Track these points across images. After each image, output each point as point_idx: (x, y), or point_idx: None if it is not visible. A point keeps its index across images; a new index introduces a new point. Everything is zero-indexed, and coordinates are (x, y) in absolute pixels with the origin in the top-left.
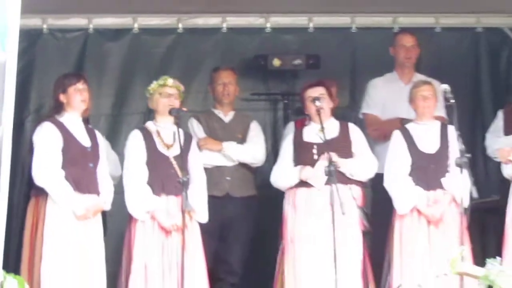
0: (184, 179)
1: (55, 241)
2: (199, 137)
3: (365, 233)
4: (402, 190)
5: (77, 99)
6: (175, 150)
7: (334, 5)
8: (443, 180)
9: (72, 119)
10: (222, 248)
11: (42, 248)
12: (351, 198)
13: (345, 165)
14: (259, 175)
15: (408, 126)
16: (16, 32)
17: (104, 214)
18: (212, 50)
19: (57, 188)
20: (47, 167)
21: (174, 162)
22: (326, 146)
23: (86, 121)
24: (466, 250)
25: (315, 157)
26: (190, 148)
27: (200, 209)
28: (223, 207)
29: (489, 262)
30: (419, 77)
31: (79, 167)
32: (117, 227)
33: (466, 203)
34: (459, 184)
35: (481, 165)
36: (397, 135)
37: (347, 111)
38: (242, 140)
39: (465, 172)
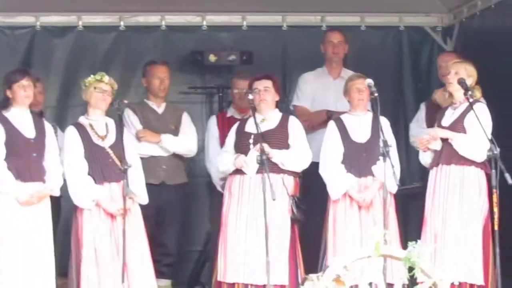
0: (125, 167)
1: (5, 228)
2: (136, 128)
3: (294, 220)
4: (335, 177)
5: (21, 94)
6: (110, 140)
7: (266, 5)
8: (373, 168)
9: (18, 113)
10: (157, 231)
11: None
12: (282, 186)
13: (277, 156)
14: (191, 163)
15: (343, 117)
16: None
17: (58, 199)
18: (152, 47)
19: None
20: None
21: (110, 152)
22: (262, 136)
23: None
24: (394, 233)
25: (251, 146)
26: (124, 136)
27: (140, 192)
28: (158, 194)
29: (411, 245)
30: (347, 72)
31: (22, 158)
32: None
33: (393, 189)
34: (388, 172)
35: (403, 154)
36: (331, 125)
37: (277, 103)
38: (175, 130)
39: (388, 161)
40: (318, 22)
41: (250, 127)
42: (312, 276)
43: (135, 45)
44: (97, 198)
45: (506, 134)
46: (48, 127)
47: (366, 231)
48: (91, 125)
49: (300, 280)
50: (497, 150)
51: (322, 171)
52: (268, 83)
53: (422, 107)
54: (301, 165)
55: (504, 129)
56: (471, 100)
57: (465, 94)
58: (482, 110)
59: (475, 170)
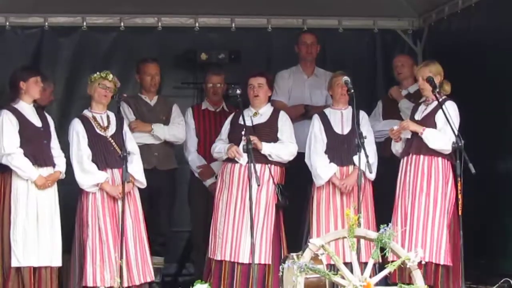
0: (124, 154)
1: (20, 209)
2: (129, 119)
3: (278, 206)
4: (319, 166)
5: (35, 89)
6: (111, 131)
7: (253, 9)
8: (354, 157)
9: (25, 106)
10: (150, 213)
11: (10, 216)
12: (269, 175)
13: (265, 148)
14: (180, 151)
15: (326, 110)
16: None
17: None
18: (149, 46)
19: (19, 164)
20: (8, 149)
21: (112, 141)
22: (252, 129)
23: (42, 108)
24: (371, 216)
25: (243, 138)
26: (123, 127)
27: (139, 177)
28: (151, 178)
29: (382, 227)
30: (320, 71)
31: (35, 144)
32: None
33: (371, 176)
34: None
35: None
36: (316, 118)
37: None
38: (166, 121)
39: (363, 152)
40: (300, 24)
41: (246, 121)
42: (293, 254)
43: (133, 44)
44: (100, 183)
45: (470, 127)
46: (49, 117)
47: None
48: (94, 117)
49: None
50: (461, 142)
51: (307, 160)
52: (262, 80)
53: (379, 103)
54: (287, 157)
55: (468, 124)
56: (440, 98)
57: (433, 91)
58: (451, 107)
59: (442, 161)
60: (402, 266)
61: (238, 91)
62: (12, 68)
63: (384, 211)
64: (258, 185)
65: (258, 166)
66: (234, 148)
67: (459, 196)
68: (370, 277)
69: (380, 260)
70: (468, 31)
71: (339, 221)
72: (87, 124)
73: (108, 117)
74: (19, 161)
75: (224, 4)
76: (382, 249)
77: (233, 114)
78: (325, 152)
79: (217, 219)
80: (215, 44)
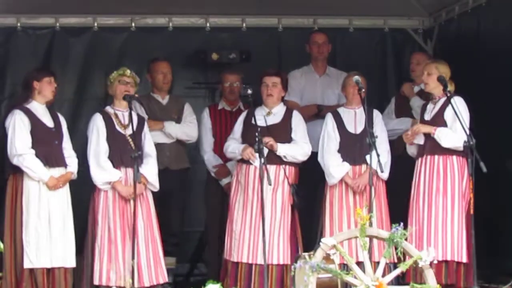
0: (136, 155)
1: (33, 210)
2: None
3: (293, 206)
4: (332, 165)
5: (49, 89)
6: (131, 129)
7: (263, 8)
8: (367, 157)
9: (38, 106)
10: (163, 213)
11: (22, 217)
12: (284, 176)
13: (281, 149)
14: (193, 151)
15: (339, 110)
16: None
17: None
18: (160, 46)
19: (31, 165)
20: (19, 149)
21: (130, 140)
22: (267, 130)
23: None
24: (384, 215)
25: (257, 138)
26: (144, 128)
27: (153, 180)
28: (163, 178)
29: (394, 226)
30: (332, 70)
31: (47, 145)
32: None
33: (384, 176)
34: (380, 161)
35: None
36: (329, 117)
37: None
38: (178, 119)
39: (374, 151)
40: (310, 24)
41: (260, 120)
42: (305, 254)
43: (144, 44)
44: (112, 181)
45: (480, 128)
46: (61, 118)
47: None
48: (115, 114)
49: None
50: (473, 141)
51: (320, 159)
52: (276, 79)
53: (392, 100)
54: (302, 158)
55: (478, 123)
56: (449, 95)
57: (443, 90)
58: (460, 103)
59: (457, 158)
60: (414, 265)
61: (249, 91)
62: (24, 69)
63: (396, 210)
64: (270, 185)
65: (273, 167)
66: (249, 151)
67: (471, 195)
68: (383, 276)
69: (395, 260)
70: (479, 30)
71: (352, 221)
72: (108, 120)
73: (130, 115)
74: (30, 162)
75: (234, 4)
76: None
77: (245, 113)
78: (338, 151)
79: (233, 220)
80: (226, 44)
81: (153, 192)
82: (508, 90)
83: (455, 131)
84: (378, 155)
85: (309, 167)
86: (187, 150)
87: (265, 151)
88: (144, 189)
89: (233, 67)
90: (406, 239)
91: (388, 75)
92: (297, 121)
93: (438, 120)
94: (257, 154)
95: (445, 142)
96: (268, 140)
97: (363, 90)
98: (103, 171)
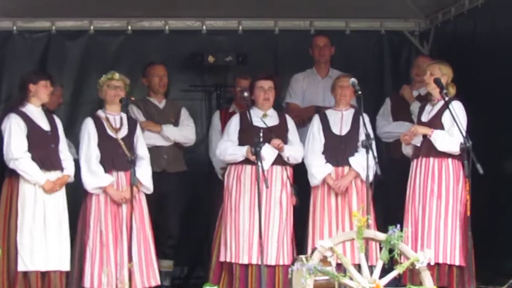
0: (132, 158)
1: (28, 213)
2: (140, 120)
3: (295, 206)
4: (314, 165)
5: (45, 92)
6: (122, 133)
7: (260, 11)
8: (351, 159)
9: (34, 109)
10: (160, 216)
11: (17, 220)
12: (286, 177)
13: (286, 150)
14: (191, 153)
15: (327, 111)
16: None
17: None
18: (156, 49)
19: (27, 169)
20: (15, 153)
21: (122, 143)
22: (269, 131)
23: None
24: (371, 218)
25: (261, 140)
26: (136, 131)
27: (146, 183)
28: (160, 181)
29: (391, 228)
30: (335, 72)
31: (43, 149)
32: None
33: (371, 178)
34: (363, 163)
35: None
36: (315, 118)
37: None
38: (175, 123)
39: (370, 153)
40: (307, 26)
41: (257, 122)
42: (301, 257)
43: (140, 48)
44: (104, 185)
45: (477, 129)
46: (58, 120)
47: (341, 217)
48: (107, 118)
49: None
50: (469, 143)
51: (305, 159)
52: (271, 83)
53: (388, 101)
54: (300, 158)
55: (475, 125)
56: (446, 98)
57: (440, 92)
58: (458, 107)
59: (452, 161)
60: (410, 267)
61: (246, 94)
62: (20, 73)
63: (394, 213)
64: (267, 187)
65: (278, 168)
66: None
67: (467, 197)
68: (379, 278)
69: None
70: (475, 32)
71: (334, 222)
72: (99, 124)
73: (121, 119)
74: (26, 166)
75: (231, 7)
76: (391, 251)
77: (238, 115)
78: (323, 153)
79: (239, 222)
80: (222, 47)
81: (150, 195)
82: (505, 92)
83: (451, 135)
84: (375, 158)
85: (301, 168)
86: (185, 153)
87: (273, 153)
88: (137, 192)
89: (231, 70)
90: (402, 241)
91: (384, 77)
92: (291, 122)
93: (435, 123)
94: (268, 158)
95: (440, 146)
96: (279, 142)
97: (360, 92)
98: (94, 176)
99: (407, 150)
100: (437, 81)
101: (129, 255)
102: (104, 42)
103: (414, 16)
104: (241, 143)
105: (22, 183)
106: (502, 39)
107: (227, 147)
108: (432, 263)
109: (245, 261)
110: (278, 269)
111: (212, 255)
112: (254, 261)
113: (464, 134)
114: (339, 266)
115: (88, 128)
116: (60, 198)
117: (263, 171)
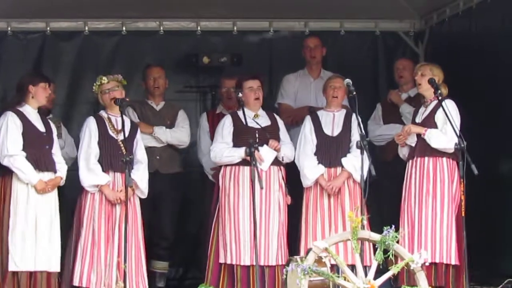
0: (127, 159)
1: (20, 213)
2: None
3: (289, 206)
4: (306, 167)
5: (44, 94)
6: (123, 135)
7: (254, 12)
8: (343, 159)
9: (30, 110)
10: (154, 217)
11: (10, 219)
12: (281, 177)
13: (282, 150)
14: (185, 154)
15: (319, 112)
16: None
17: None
18: (151, 50)
19: (21, 166)
20: (11, 150)
21: (121, 145)
22: (264, 131)
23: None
24: (364, 218)
25: (257, 140)
26: (136, 134)
27: (142, 186)
28: (153, 182)
29: (386, 229)
30: (326, 73)
31: (37, 149)
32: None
33: (358, 178)
34: (356, 164)
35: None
36: (307, 119)
37: (265, 101)
38: (170, 125)
39: (365, 154)
40: (302, 27)
41: (250, 123)
42: (296, 257)
43: (135, 48)
44: (100, 184)
45: (471, 129)
46: (52, 125)
47: (334, 217)
48: (109, 119)
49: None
50: (464, 144)
51: (296, 160)
52: (259, 83)
53: (378, 106)
54: (292, 158)
55: (469, 125)
56: (440, 98)
57: (434, 92)
58: (451, 106)
59: (447, 160)
60: (406, 268)
61: (240, 94)
62: (14, 73)
63: (386, 214)
64: (262, 188)
65: (275, 168)
66: (257, 155)
67: (462, 197)
68: (374, 279)
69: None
70: (470, 33)
71: (326, 223)
72: (101, 124)
73: (123, 121)
74: (20, 163)
75: (225, 8)
76: (385, 252)
77: (229, 117)
78: (315, 154)
79: (239, 223)
80: (217, 48)
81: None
82: (499, 92)
83: (445, 133)
84: (369, 158)
85: (294, 168)
86: (181, 154)
87: (271, 154)
88: (132, 195)
89: (226, 71)
90: (397, 242)
91: (379, 77)
92: (281, 122)
93: (429, 122)
94: (267, 159)
95: (434, 143)
96: (275, 143)
97: (354, 93)
98: (91, 174)
99: (403, 153)
100: (432, 81)
101: (119, 255)
102: (99, 43)
103: (409, 16)
104: (236, 144)
105: (15, 183)
106: (496, 39)
107: (223, 149)
108: (428, 264)
109: (247, 263)
110: (278, 269)
111: (209, 257)
112: (255, 262)
113: (458, 131)
114: (333, 267)
115: (90, 127)
116: (52, 199)
117: (257, 171)
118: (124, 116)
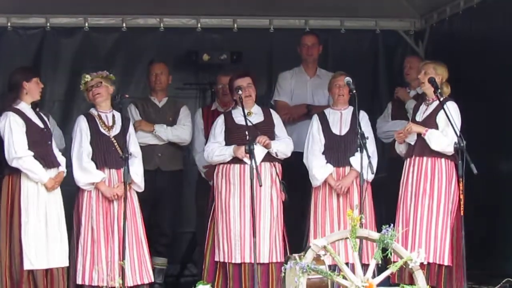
0: (125, 156)
1: (32, 211)
2: (135, 120)
3: (284, 202)
4: (315, 166)
5: (37, 89)
6: (115, 131)
7: (255, 9)
8: (351, 158)
9: (26, 106)
10: (154, 214)
11: (21, 218)
12: (275, 174)
13: (273, 146)
14: (186, 152)
15: (326, 111)
16: None
17: None
18: (151, 46)
19: (31, 167)
20: (19, 152)
21: (114, 141)
22: (255, 129)
23: (35, 106)
24: (370, 217)
25: (247, 138)
26: (129, 129)
27: (138, 180)
28: (154, 179)
29: (384, 228)
30: (322, 71)
31: (41, 146)
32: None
33: (369, 177)
34: (364, 163)
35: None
36: (315, 118)
37: (265, 99)
38: (172, 122)
39: (365, 152)
40: (302, 25)
41: (241, 120)
42: (295, 255)
43: (135, 45)
44: (96, 182)
45: (471, 129)
46: (44, 117)
47: (343, 216)
48: (99, 116)
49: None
50: (463, 143)
51: (305, 160)
52: (249, 80)
53: (389, 105)
54: (289, 153)
55: (469, 124)
56: (441, 98)
57: (434, 92)
58: (452, 108)
59: (445, 161)
60: (404, 266)
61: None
62: (14, 68)
63: (392, 212)
64: (260, 185)
65: (267, 164)
66: (242, 151)
67: (461, 197)
68: (372, 277)
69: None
70: (470, 32)
71: (335, 222)
72: (92, 122)
73: (113, 116)
74: (31, 164)
75: (226, 5)
76: (384, 250)
77: (222, 116)
78: (323, 153)
79: (230, 222)
80: (217, 45)
81: (144, 193)
82: (499, 91)
83: (446, 135)
84: (368, 157)
85: (296, 167)
86: (183, 152)
87: (261, 150)
88: (128, 190)
89: (224, 68)
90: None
91: (379, 76)
92: (277, 117)
93: (430, 123)
94: (257, 156)
95: (434, 145)
96: (264, 139)
97: (354, 91)
98: (85, 173)
99: (400, 149)
100: (432, 81)
101: (120, 252)
102: (99, 39)
103: (409, 15)
104: (228, 143)
105: (24, 181)
106: (497, 39)
107: (214, 149)
108: (425, 263)
109: (238, 261)
110: (271, 266)
111: (205, 255)
112: (247, 260)
113: (459, 135)
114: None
115: (81, 126)
116: (58, 195)
117: (256, 169)
118: (115, 112)
